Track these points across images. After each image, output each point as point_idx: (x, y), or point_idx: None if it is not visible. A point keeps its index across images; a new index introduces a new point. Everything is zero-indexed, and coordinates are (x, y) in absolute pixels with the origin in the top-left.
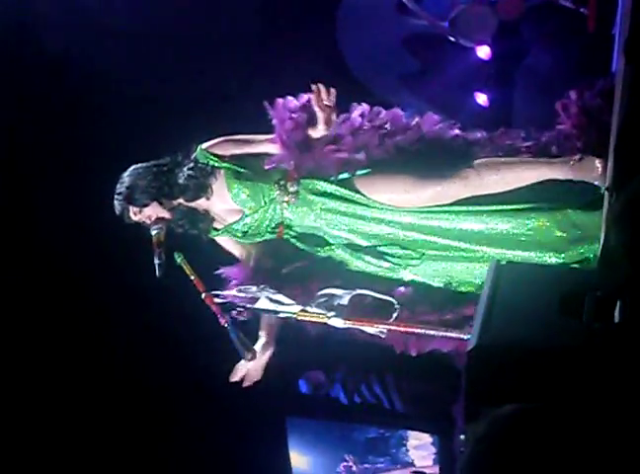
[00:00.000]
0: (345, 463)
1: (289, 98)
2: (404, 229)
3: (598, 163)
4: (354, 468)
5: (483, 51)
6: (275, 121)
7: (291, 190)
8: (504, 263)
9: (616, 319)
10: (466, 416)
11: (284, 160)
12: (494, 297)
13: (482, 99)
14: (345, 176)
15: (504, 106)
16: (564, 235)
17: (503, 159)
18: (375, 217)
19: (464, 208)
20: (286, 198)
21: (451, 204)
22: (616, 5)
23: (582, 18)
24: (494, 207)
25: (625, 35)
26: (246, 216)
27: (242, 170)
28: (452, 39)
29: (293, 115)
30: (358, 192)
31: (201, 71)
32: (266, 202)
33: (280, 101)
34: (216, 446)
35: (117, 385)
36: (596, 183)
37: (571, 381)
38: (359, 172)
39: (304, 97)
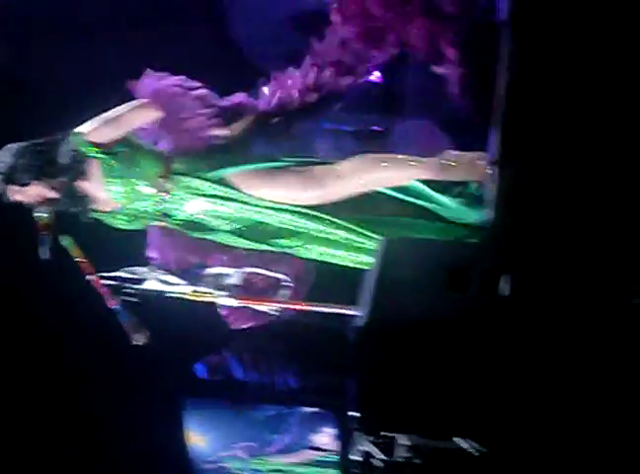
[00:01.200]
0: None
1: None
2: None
3: (474, 159)
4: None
5: None
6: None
7: (167, 187)
8: (392, 239)
9: (501, 292)
10: (360, 388)
11: (160, 134)
12: (382, 273)
13: (375, 74)
14: (227, 170)
15: (397, 80)
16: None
17: (380, 157)
18: (255, 210)
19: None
20: (162, 195)
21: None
22: None
23: None
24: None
25: (508, 9)
26: (122, 210)
27: (118, 165)
28: None
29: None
30: (236, 188)
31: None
32: (142, 199)
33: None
34: (115, 428)
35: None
36: (474, 180)
37: (460, 353)
38: (240, 167)
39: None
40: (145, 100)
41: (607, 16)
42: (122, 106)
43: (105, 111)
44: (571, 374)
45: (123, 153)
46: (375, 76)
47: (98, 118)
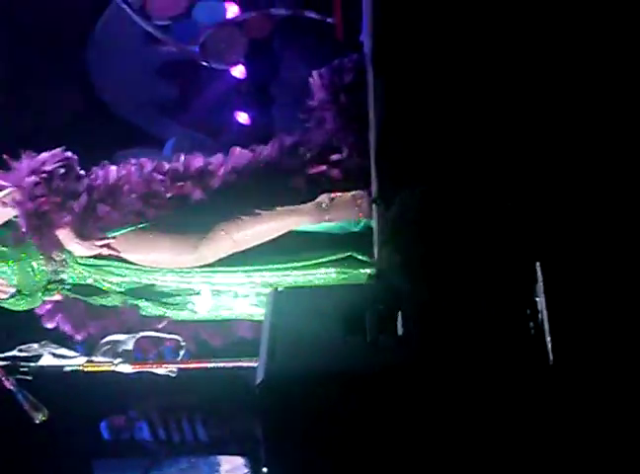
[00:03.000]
0: None
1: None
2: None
3: (353, 199)
4: None
5: (238, 71)
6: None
7: (58, 259)
8: (281, 290)
9: (399, 331)
10: (266, 443)
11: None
12: (276, 326)
13: (243, 118)
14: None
15: (266, 122)
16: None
17: (256, 212)
18: (142, 275)
19: (227, 269)
20: (56, 267)
21: (214, 264)
22: (361, 13)
23: (330, 27)
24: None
25: (371, 47)
26: (18, 292)
27: (5, 248)
28: (205, 63)
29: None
30: (118, 256)
31: None
32: (36, 275)
33: (21, 164)
34: None
35: None
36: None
37: (364, 399)
38: (122, 230)
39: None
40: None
41: (473, 49)
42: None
43: None
44: (476, 407)
45: (8, 235)
46: (240, 72)
47: None
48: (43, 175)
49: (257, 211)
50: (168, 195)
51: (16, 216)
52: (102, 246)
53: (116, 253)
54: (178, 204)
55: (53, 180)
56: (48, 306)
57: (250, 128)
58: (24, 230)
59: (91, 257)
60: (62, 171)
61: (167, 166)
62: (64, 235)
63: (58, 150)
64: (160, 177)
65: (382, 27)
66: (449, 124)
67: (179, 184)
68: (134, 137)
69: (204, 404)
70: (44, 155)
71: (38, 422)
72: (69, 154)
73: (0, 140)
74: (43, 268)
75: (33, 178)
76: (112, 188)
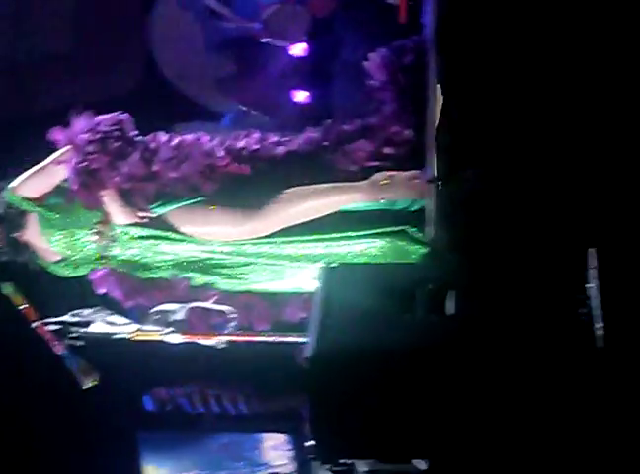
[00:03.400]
0: None
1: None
2: (227, 254)
3: (410, 178)
4: None
5: (299, 48)
6: (67, 147)
7: (109, 234)
8: (333, 265)
9: (448, 310)
10: (312, 417)
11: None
12: (327, 300)
13: (302, 96)
14: (161, 210)
15: (324, 101)
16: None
17: (310, 188)
18: (196, 247)
19: (282, 239)
20: (105, 242)
21: (270, 235)
22: None
23: (393, 8)
24: (312, 237)
25: (433, 27)
26: (65, 259)
27: (55, 217)
28: (266, 39)
29: (87, 136)
30: (172, 229)
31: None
32: (83, 247)
33: (74, 123)
34: (71, 467)
35: None
36: (413, 199)
37: (412, 377)
38: (176, 205)
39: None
40: (66, 148)
41: (536, 33)
42: (50, 157)
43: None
44: (524, 389)
45: (59, 204)
46: (300, 50)
47: (27, 171)
48: (98, 134)
49: (313, 187)
50: (226, 170)
51: (66, 180)
52: (143, 217)
53: (168, 226)
54: (234, 179)
55: (107, 139)
56: (100, 272)
57: (308, 107)
58: (74, 187)
59: (145, 227)
60: (117, 133)
61: (227, 142)
62: (110, 197)
63: (115, 114)
64: (221, 153)
65: (445, 8)
66: (508, 107)
67: (237, 160)
68: (193, 111)
69: (250, 378)
70: (101, 117)
71: (87, 387)
72: (125, 117)
73: (65, 108)
74: (93, 242)
75: (87, 135)
76: (169, 153)
